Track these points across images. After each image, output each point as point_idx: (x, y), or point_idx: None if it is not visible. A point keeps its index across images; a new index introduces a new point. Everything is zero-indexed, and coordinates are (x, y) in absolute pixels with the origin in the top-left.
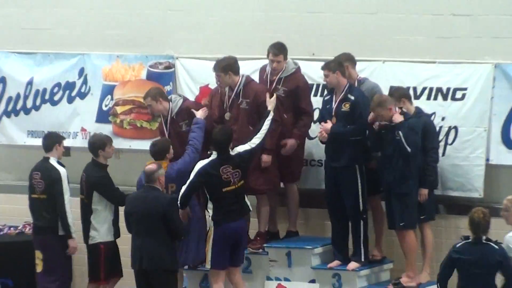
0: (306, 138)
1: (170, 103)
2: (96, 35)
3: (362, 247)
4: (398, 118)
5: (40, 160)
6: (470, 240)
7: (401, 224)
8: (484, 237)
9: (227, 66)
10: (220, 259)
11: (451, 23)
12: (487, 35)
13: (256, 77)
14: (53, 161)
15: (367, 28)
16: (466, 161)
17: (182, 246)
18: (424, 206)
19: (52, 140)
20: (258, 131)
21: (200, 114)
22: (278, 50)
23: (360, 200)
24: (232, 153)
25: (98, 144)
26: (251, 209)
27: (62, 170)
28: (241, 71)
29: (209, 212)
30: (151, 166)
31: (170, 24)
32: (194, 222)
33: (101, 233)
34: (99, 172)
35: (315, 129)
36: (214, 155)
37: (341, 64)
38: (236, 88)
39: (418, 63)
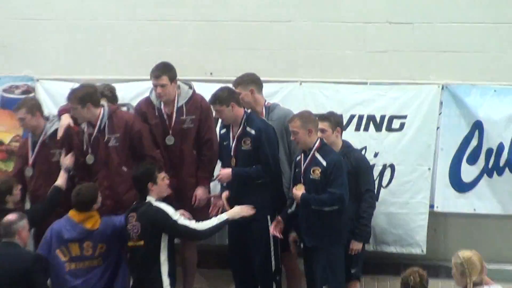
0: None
1: (47, 122)
2: None
3: None
4: (297, 194)
5: None
6: None
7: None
8: None
9: (86, 97)
10: None
11: (387, 33)
12: (432, 48)
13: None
14: None
15: (278, 40)
16: (405, 209)
17: None
18: (353, 259)
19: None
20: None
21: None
22: (161, 71)
23: (273, 258)
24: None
25: (4, 188)
26: None
27: None
28: (121, 95)
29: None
30: (10, 216)
31: (26, 36)
32: None
33: None
34: None
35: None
36: None
37: (233, 92)
38: (99, 122)
39: (345, 84)
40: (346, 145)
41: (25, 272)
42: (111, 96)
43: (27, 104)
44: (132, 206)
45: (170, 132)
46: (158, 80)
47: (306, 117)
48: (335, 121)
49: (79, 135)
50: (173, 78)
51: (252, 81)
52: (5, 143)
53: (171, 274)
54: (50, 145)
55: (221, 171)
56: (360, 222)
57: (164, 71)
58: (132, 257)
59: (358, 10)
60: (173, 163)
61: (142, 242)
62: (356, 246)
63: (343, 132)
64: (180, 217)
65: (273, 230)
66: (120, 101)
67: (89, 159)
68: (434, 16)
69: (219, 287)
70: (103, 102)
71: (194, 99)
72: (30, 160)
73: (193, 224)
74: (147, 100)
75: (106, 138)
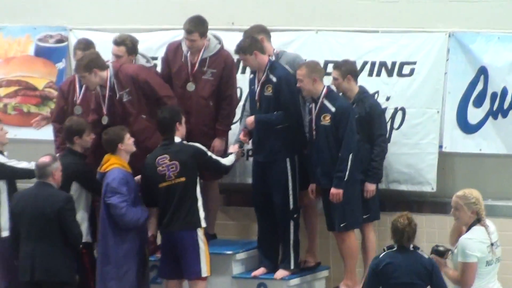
0: None
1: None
2: None
3: (292, 252)
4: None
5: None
6: (394, 249)
7: (342, 225)
8: (411, 246)
9: (90, 63)
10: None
11: None
12: None
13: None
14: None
15: None
16: (415, 149)
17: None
18: (368, 204)
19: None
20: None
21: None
22: (193, 27)
23: (291, 198)
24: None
25: (75, 129)
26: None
27: None
28: (145, 45)
29: None
30: (44, 158)
31: None
32: None
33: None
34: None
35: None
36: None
37: (256, 40)
38: (108, 83)
39: (358, 33)
40: (362, 91)
41: (57, 211)
42: (131, 47)
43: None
44: (156, 151)
45: (191, 79)
46: (189, 35)
47: (312, 67)
48: (346, 69)
49: (97, 99)
50: (204, 33)
51: (261, 31)
52: (39, 89)
53: (204, 207)
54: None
55: (247, 120)
56: (373, 165)
57: (196, 27)
58: (168, 196)
59: None
60: (189, 109)
61: (183, 179)
62: (370, 187)
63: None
64: (211, 153)
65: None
66: (147, 51)
67: (104, 119)
68: None
69: (242, 222)
70: (120, 53)
71: (220, 54)
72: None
73: (221, 159)
74: (178, 45)
75: (118, 96)
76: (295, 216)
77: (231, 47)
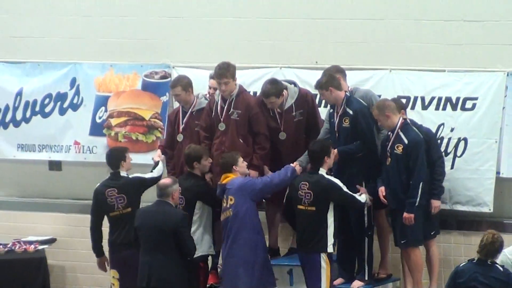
0: None
1: (196, 98)
2: (88, 43)
3: (366, 265)
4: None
5: (108, 176)
6: (474, 261)
7: (402, 242)
8: (489, 260)
9: (188, 84)
10: None
11: (462, 30)
12: (499, 42)
13: (257, 87)
14: (124, 174)
15: (373, 34)
16: (476, 174)
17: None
18: (433, 222)
19: (117, 157)
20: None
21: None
22: (223, 71)
23: (365, 217)
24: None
25: (193, 155)
26: None
27: None
28: (241, 81)
29: None
30: (166, 180)
31: (166, 31)
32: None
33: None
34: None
35: None
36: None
37: (332, 78)
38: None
39: (427, 72)
40: (413, 123)
41: (174, 228)
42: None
43: (181, 83)
44: (303, 176)
45: (282, 128)
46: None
47: (381, 106)
48: (400, 105)
49: (211, 105)
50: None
51: (337, 71)
52: (146, 119)
53: (335, 235)
54: (196, 116)
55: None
56: (436, 184)
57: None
58: (301, 219)
59: (438, 9)
60: (286, 155)
61: (313, 208)
62: (436, 203)
63: (425, 110)
64: (345, 187)
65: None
66: (243, 84)
67: (221, 126)
68: (502, 14)
69: None
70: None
71: (301, 95)
72: (181, 127)
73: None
74: (262, 102)
75: (230, 111)
76: (369, 233)
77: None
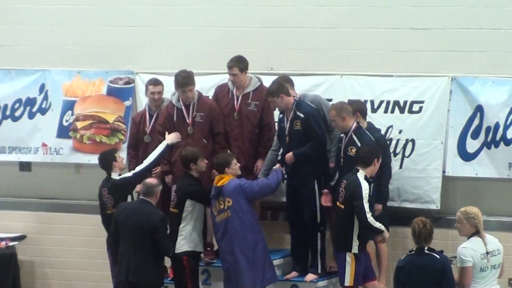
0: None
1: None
2: (56, 51)
3: (319, 258)
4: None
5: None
6: (413, 252)
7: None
8: (426, 247)
9: (245, 64)
10: None
11: (408, 37)
12: (443, 48)
13: (212, 93)
14: (115, 176)
15: (325, 42)
16: (423, 174)
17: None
18: (378, 220)
19: (107, 160)
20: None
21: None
22: (233, 63)
23: (318, 213)
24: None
25: (190, 157)
26: None
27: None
28: (199, 87)
29: None
30: (152, 180)
31: (130, 39)
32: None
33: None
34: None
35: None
36: None
37: (282, 85)
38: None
39: (376, 77)
40: (370, 126)
41: (152, 227)
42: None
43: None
44: (347, 174)
45: (237, 109)
46: (230, 70)
47: (339, 107)
48: (356, 108)
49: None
50: (242, 69)
51: (285, 81)
52: (110, 122)
53: (359, 237)
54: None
55: (286, 156)
56: (380, 189)
57: (235, 63)
58: (335, 216)
59: (386, 18)
60: (237, 135)
61: (343, 206)
62: (378, 207)
63: (374, 113)
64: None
65: (324, 201)
66: (200, 91)
67: (190, 130)
68: (446, 23)
69: (278, 235)
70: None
71: (261, 89)
72: (148, 129)
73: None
74: (225, 86)
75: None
76: (321, 228)
77: None
